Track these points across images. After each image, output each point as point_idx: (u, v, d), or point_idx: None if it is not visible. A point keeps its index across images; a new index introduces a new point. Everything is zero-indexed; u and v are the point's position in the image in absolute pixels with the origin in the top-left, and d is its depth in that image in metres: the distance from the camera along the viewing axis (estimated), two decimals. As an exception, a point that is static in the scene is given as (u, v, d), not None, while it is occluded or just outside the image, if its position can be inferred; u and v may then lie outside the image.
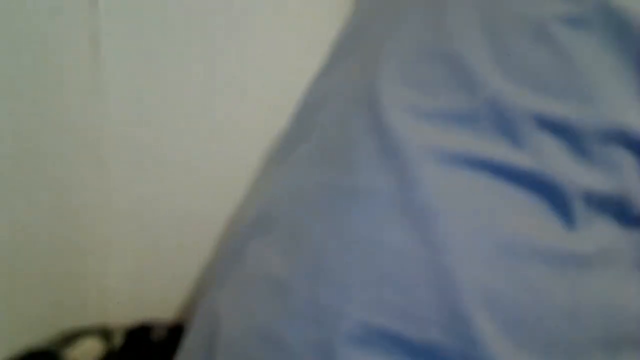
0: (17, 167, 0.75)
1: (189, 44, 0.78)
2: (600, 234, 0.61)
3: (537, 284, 0.58)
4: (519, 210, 0.60)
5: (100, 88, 0.76)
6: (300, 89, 0.75)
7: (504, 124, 0.61)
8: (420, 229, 0.59)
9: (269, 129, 0.76)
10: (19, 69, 0.75)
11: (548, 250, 0.59)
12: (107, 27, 0.76)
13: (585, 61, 0.63)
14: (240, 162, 0.77)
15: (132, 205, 0.78)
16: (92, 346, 0.77)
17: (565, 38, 0.63)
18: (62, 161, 0.77)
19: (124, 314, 0.79)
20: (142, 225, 0.78)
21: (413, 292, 0.58)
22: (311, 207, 0.64)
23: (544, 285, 0.58)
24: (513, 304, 0.58)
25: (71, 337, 0.76)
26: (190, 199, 0.78)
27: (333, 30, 0.76)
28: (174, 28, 0.78)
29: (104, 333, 0.77)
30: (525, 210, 0.60)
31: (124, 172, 0.78)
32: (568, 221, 0.60)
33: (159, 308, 0.79)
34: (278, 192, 0.67)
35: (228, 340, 0.63)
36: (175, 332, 0.76)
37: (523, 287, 0.58)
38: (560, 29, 0.63)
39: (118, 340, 0.77)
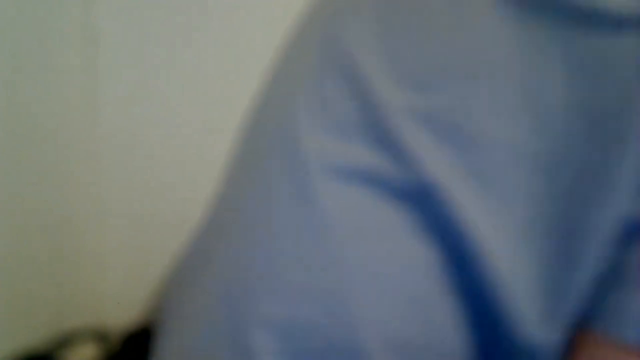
0: (14, 173, 0.76)
1: (187, 45, 0.77)
2: None
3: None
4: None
5: (96, 90, 0.76)
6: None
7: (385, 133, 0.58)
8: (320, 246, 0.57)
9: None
10: (14, 70, 0.75)
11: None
12: (105, 28, 0.76)
13: None
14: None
15: (127, 208, 0.78)
16: (88, 348, 0.78)
17: None
18: (58, 165, 0.77)
19: (120, 315, 0.79)
20: (137, 227, 0.78)
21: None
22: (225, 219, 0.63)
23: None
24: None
25: (68, 340, 0.77)
26: (184, 199, 0.78)
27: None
28: (171, 28, 0.77)
29: (101, 335, 0.77)
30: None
31: (119, 174, 0.78)
32: None
33: (156, 310, 0.79)
34: (218, 200, 0.68)
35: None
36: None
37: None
38: None
39: (114, 342, 0.78)
